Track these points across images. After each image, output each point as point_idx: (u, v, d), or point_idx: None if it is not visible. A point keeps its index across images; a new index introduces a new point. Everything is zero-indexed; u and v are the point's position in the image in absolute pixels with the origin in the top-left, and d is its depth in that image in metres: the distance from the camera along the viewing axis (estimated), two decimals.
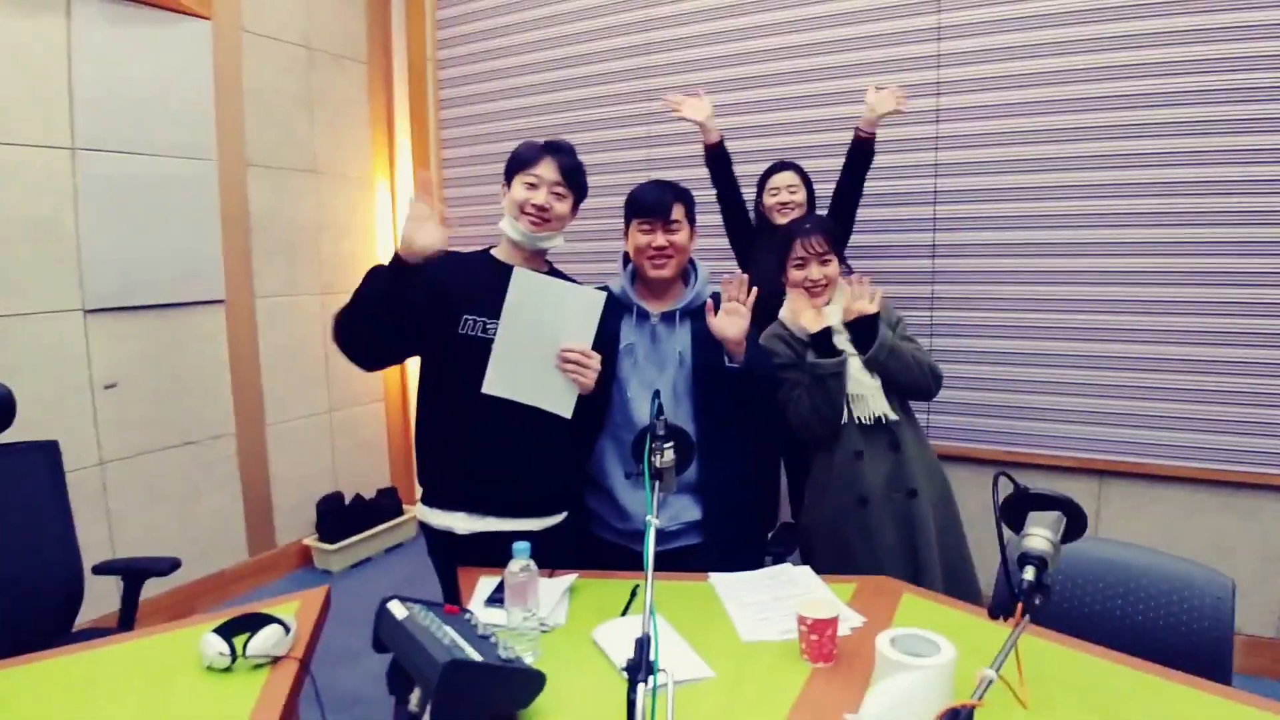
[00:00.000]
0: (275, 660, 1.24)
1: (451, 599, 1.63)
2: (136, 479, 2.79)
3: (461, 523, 1.63)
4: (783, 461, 2.65)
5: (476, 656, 1.01)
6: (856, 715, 1.05)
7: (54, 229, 2.53)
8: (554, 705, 1.11)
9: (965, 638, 1.15)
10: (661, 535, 1.66)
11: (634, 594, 1.45)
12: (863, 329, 1.84)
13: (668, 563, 1.63)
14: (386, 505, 3.61)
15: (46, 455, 1.90)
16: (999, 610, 1.01)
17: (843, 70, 2.80)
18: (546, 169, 1.62)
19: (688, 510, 1.72)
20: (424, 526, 1.70)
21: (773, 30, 2.90)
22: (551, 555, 1.52)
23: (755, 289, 1.65)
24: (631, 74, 3.17)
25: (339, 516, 3.40)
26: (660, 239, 1.68)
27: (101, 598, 2.03)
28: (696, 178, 2.80)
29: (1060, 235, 2.55)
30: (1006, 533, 1.13)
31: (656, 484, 1.26)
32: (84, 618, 2.04)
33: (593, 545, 1.78)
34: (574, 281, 1.70)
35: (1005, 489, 1.13)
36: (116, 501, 2.73)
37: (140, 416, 2.79)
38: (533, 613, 1.25)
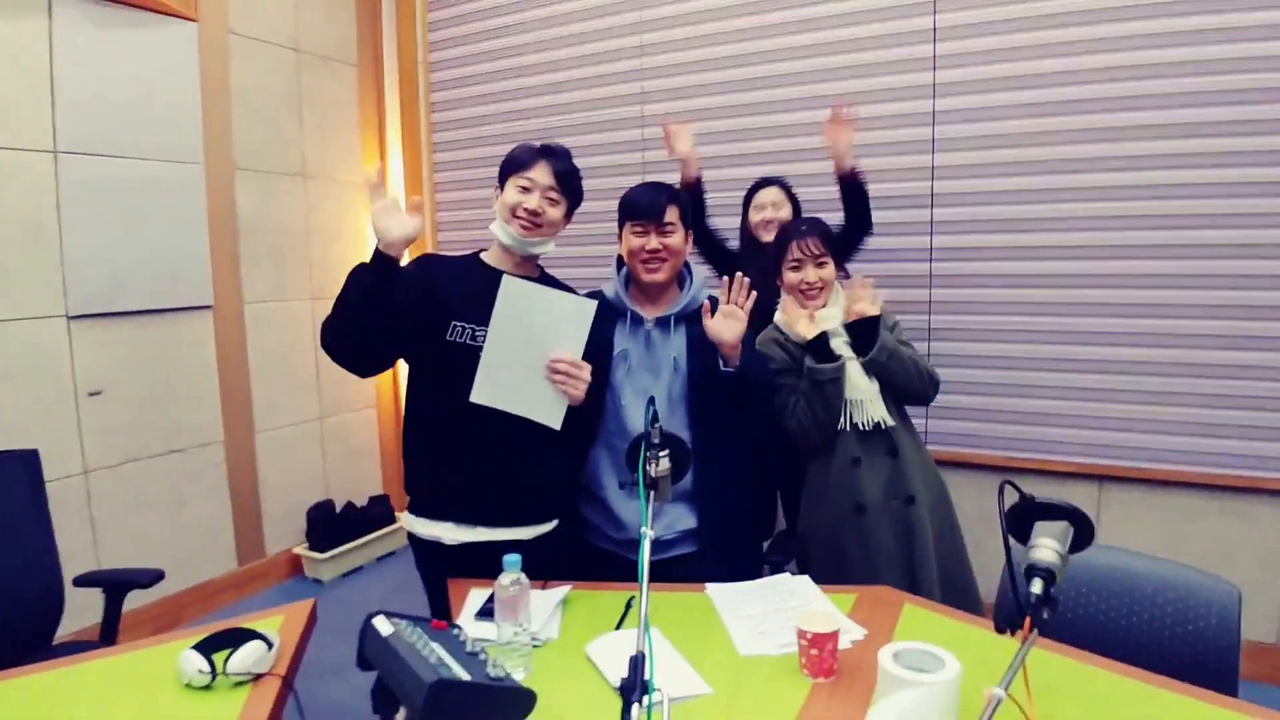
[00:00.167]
0: (257, 678, 1.20)
1: (440, 611, 1.60)
2: (122, 488, 2.74)
3: (450, 533, 1.59)
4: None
5: (464, 675, 0.97)
6: None
7: (36, 233, 2.49)
8: None
9: (969, 651, 1.12)
10: (657, 544, 1.63)
11: (629, 606, 1.42)
12: (863, 331, 1.81)
13: (663, 572, 1.61)
14: (378, 513, 3.56)
15: (25, 465, 1.86)
16: (1005, 624, 0.98)
17: (841, 72, 2.77)
18: (541, 173, 1.58)
19: (683, 518, 1.69)
20: (411, 537, 1.67)
21: (768, 32, 2.88)
22: (543, 564, 1.49)
23: (754, 293, 1.62)
24: (625, 77, 3.14)
25: (330, 525, 3.35)
26: (654, 242, 1.65)
27: (85, 609, 1.98)
28: None
29: (1059, 239, 2.53)
30: (1009, 541, 1.09)
31: (652, 494, 1.23)
32: (66, 629, 2.00)
33: (588, 554, 1.75)
34: (566, 288, 1.67)
35: (1007, 496, 1.09)
36: (101, 511, 2.68)
37: (126, 424, 2.74)
38: (524, 627, 1.21)
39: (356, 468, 3.68)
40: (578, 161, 1.66)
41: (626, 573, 1.59)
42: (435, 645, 1.04)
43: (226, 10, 3.04)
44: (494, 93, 3.44)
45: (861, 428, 1.82)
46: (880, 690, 1.07)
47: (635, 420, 1.65)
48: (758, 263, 2.02)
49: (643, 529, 1.10)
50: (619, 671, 0.94)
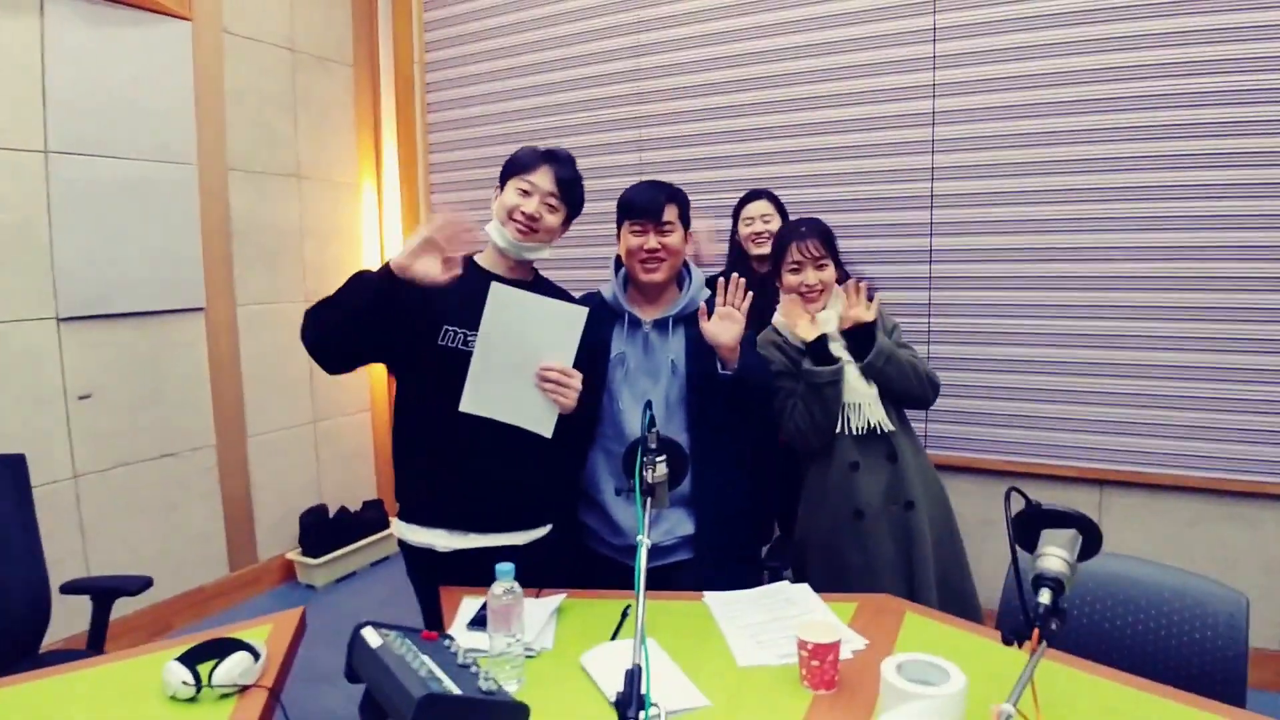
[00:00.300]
0: (243, 689, 1.17)
1: (432, 620, 1.57)
2: (112, 492, 2.70)
3: (442, 540, 1.56)
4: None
5: (455, 689, 0.94)
6: None
7: (26, 234, 2.45)
8: None
9: (974, 662, 1.10)
10: (655, 550, 1.61)
11: (625, 615, 1.39)
12: (860, 336, 1.79)
13: (661, 578, 1.59)
14: (372, 518, 3.53)
15: (11, 470, 1.83)
16: (1013, 635, 0.95)
17: (839, 72, 2.75)
18: (542, 178, 1.56)
19: (682, 524, 1.66)
20: (402, 544, 1.63)
21: (767, 32, 2.85)
22: (537, 570, 1.46)
23: (751, 293, 1.59)
24: (622, 77, 3.12)
25: (323, 530, 3.31)
26: (652, 241, 1.62)
27: (73, 615, 1.95)
28: (689, 181, 2.75)
29: (1060, 240, 2.51)
30: (1015, 550, 1.06)
31: (648, 501, 1.20)
32: (55, 636, 1.97)
33: (587, 558, 1.73)
34: (560, 291, 1.65)
35: (1012, 503, 1.06)
36: (91, 516, 2.64)
37: (116, 428, 2.71)
38: (517, 638, 1.18)
39: (350, 472, 3.64)
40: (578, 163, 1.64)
41: (626, 578, 1.56)
42: (425, 657, 1.01)
43: (221, 9, 3.01)
44: (490, 93, 3.41)
45: (860, 432, 1.79)
46: (883, 703, 1.05)
47: (632, 424, 1.62)
48: (746, 273, 1.99)
49: (639, 537, 1.08)
50: (615, 683, 0.92)
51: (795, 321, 1.79)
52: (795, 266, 1.84)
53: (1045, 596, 0.95)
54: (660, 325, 1.67)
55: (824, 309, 1.84)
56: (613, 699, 0.89)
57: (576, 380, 1.48)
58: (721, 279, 1.61)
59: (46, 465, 2.50)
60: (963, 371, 2.65)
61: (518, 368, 1.47)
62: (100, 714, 1.14)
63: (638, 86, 3.09)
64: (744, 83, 2.90)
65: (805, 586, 1.52)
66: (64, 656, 1.70)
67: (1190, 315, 2.38)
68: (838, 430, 1.79)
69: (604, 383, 1.66)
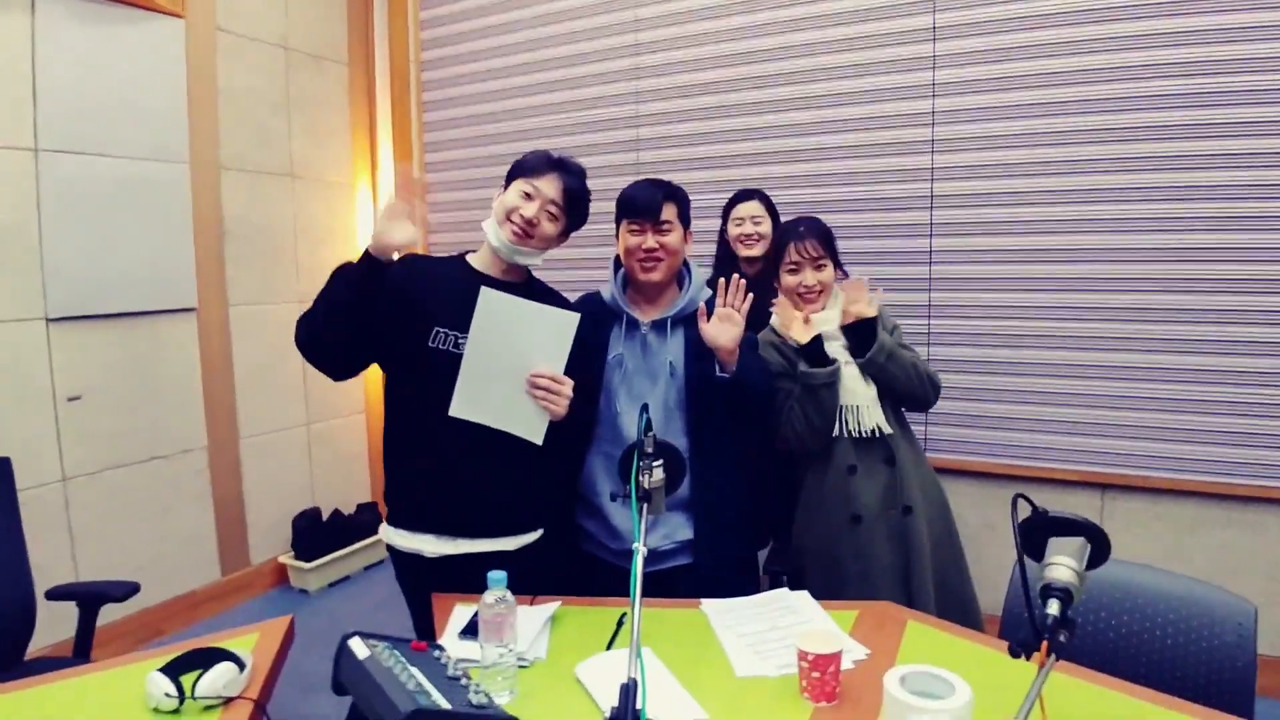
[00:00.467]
0: (227, 701, 1.13)
1: (423, 626, 1.54)
2: (101, 496, 2.66)
3: (430, 545, 1.53)
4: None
5: (443, 703, 0.91)
6: None
7: (14, 233, 2.42)
8: None
9: (978, 673, 1.07)
10: (653, 555, 1.58)
11: (620, 624, 1.35)
12: (860, 333, 1.76)
13: (660, 583, 1.56)
14: (366, 521, 3.49)
15: None
16: (1020, 648, 0.92)
17: (837, 71, 2.73)
18: (548, 184, 1.53)
19: (681, 529, 1.64)
20: (391, 549, 1.60)
21: (765, 31, 2.83)
22: (530, 575, 1.43)
23: (751, 295, 1.56)
24: (620, 75, 3.09)
25: (316, 533, 3.27)
26: (650, 241, 1.60)
27: (60, 621, 1.92)
28: (687, 181, 2.72)
29: (1062, 241, 2.48)
30: (1023, 560, 1.03)
31: (644, 507, 1.17)
32: (43, 643, 1.94)
33: (585, 563, 1.70)
34: (553, 294, 1.62)
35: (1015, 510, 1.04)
36: (80, 519, 2.60)
37: (106, 430, 2.67)
38: (510, 648, 1.15)
39: (344, 474, 3.60)
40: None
41: (625, 583, 1.53)
42: (414, 669, 0.99)
43: (214, 7, 2.97)
44: (487, 92, 3.38)
45: (858, 434, 1.76)
46: (886, 717, 1.02)
47: (630, 427, 1.59)
48: (733, 274, 1.95)
49: (635, 545, 1.05)
50: (610, 695, 0.89)
51: (789, 324, 1.76)
52: (793, 267, 1.81)
53: (1054, 608, 0.92)
54: (658, 326, 1.64)
55: (823, 310, 1.81)
56: (608, 714, 0.86)
57: (567, 388, 1.45)
58: (721, 280, 1.58)
59: (35, 468, 2.46)
60: (963, 374, 2.62)
61: (508, 373, 1.44)
62: None
63: (635, 85, 3.07)
64: (743, 81, 2.88)
65: (805, 594, 1.49)
66: (49, 664, 1.67)
67: (1194, 318, 2.36)
68: (835, 433, 1.76)
69: (601, 384, 1.63)
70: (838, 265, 1.87)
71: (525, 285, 1.59)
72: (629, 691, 0.84)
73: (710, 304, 1.59)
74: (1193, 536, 2.43)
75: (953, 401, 2.58)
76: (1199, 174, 2.31)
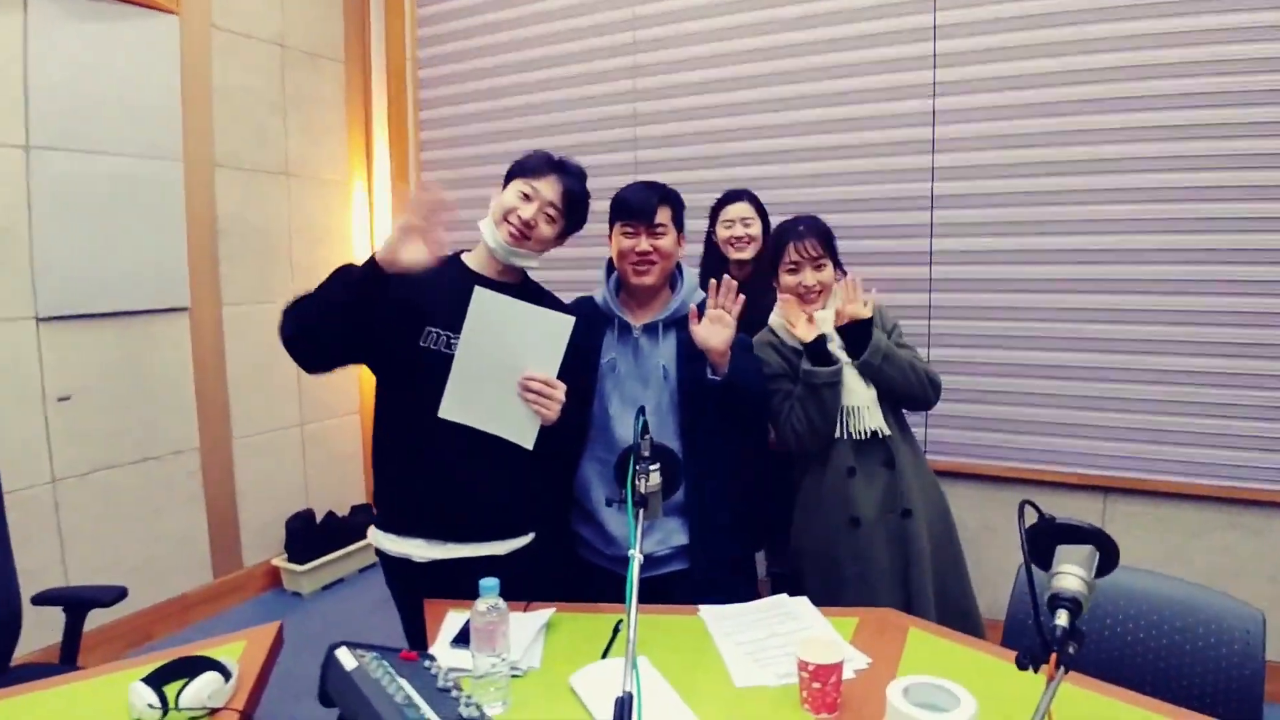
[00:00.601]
0: (213, 712, 1.10)
1: (414, 632, 1.51)
2: (92, 497, 2.63)
3: (419, 550, 1.50)
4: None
5: (432, 717, 0.89)
6: None
7: (4, 231, 2.38)
8: None
9: (983, 684, 1.04)
10: (649, 561, 1.54)
11: (616, 631, 1.33)
12: (855, 334, 1.73)
13: (655, 589, 1.53)
14: (361, 523, 3.45)
15: None
16: (1028, 660, 0.89)
17: (837, 70, 2.70)
18: (548, 186, 1.50)
19: (676, 534, 1.62)
20: (379, 553, 1.57)
21: (764, 29, 2.80)
22: (520, 581, 1.40)
23: (743, 296, 1.54)
24: (618, 74, 3.06)
25: (310, 535, 3.24)
26: (644, 244, 1.58)
27: (49, 626, 1.87)
28: (685, 180, 2.69)
29: (1064, 242, 2.46)
30: (1031, 569, 1.01)
31: (640, 512, 1.14)
32: (31, 647, 1.91)
33: (580, 569, 1.68)
34: (549, 296, 1.60)
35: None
36: (70, 522, 2.57)
37: (96, 430, 2.64)
38: (503, 658, 1.12)
39: (338, 476, 3.57)
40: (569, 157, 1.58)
41: (621, 588, 1.51)
42: (403, 681, 0.96)
43: (209, 3, 2.94)
44: (484, 90, 3.35)
45: (857, 437, 1.74)
46: None
47: (622, 431, 1.58)
48: (721, 275, 1.92)
49: (631, 552, 1.02)
50: (605, 706, 0.86)
51: (794, 322, 1.74)
52: (793, 267, 1.79)
53: (1063, 618, 0.89)
54: (650, 330, 1.63)
55: (823, 309, 1.79)
56: None
57: (560, 392, 1.42)
58: (712, 281, 1.56)
59: (24, 469, 2.43)
60: (964, 375, 2.59)
61: (500, 376, 1.42)
62: None
63: (633, 84, 3.04)
64: (743, 80, 2.85)
65: (804, 600, 1.47)
66: (36, 670, 1.64)
67: (1196, 319, 2.34)
68: (835, 434, 1.74)
69: (594, 388, 1.61)
70: (838, 265, 1.84)
71: (520, 286, 1.57)
72: (624, 705, 0.81)
73: (701, 306, 1.57)
74: (1195, 540, 2.40)
75: (953, 403, 2.55)
76: (1208, 174, 2.28)
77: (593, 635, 1.32)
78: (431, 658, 1.08)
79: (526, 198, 1.49)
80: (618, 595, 1.45)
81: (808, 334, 1.71)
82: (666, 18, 2.96)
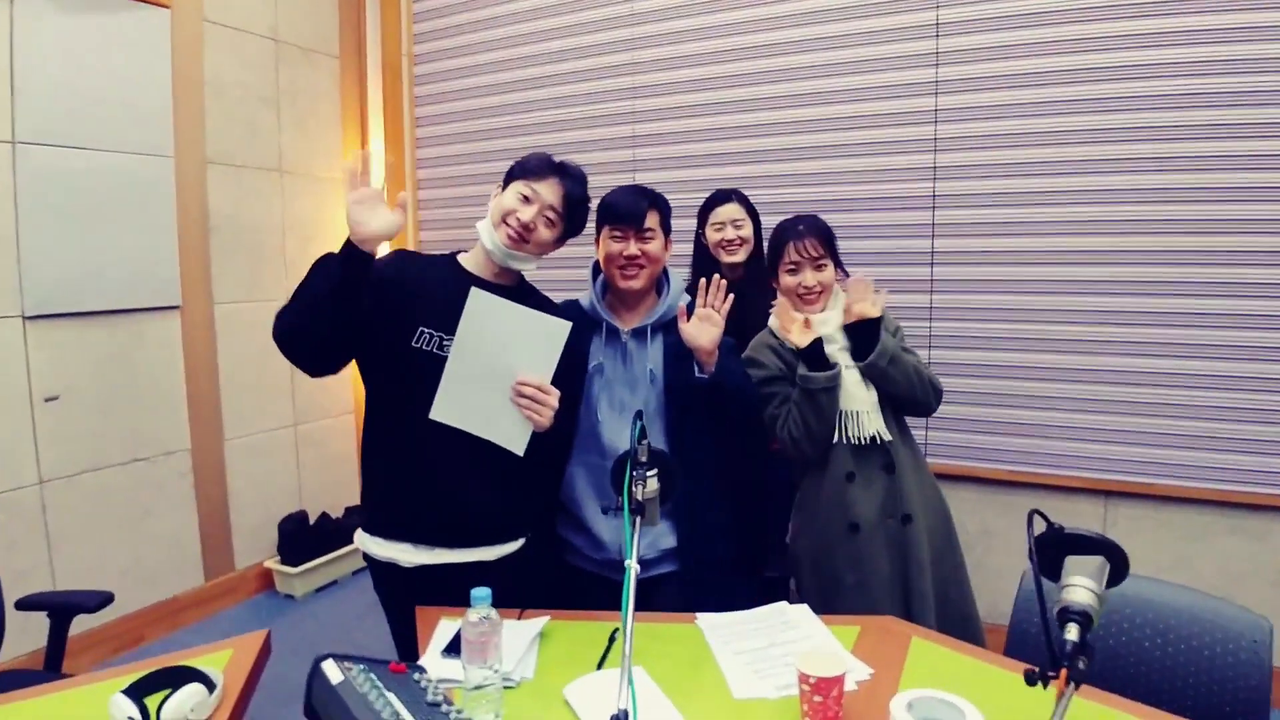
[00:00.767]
0: None
1: (403, 638, 1.48)
2: (80, 499, 2.59)
3: (406, 555, 1.47)
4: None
5: None
6: None
7: None
8: None
9: (988, 697, 1.01)
10: (639, 563, 1.52)
11: (612, 640, 1.29)
12: (862, 334, 1.70)
13: (645, 591, 1.52)
14: (354, 525, 3.38)
15: None
16: (1037, 676, 0.86)
17: (840, 68, 2.67)
18: (548, 189, 1.47)
19: (664, 537, 1.60)
20: (367, 557, 1.54)
21: (764, 26, 2.77)
22: (514, 587, 1.37)
23: (732, 295, 1.53)
24: (617, 71, 3.03)
25: (303, 537, 3.21)
26: (632, 248, 1.57)
27: (36, 630, 1.84)
28: (684, 180, 2.67)
29: (1067, 243, 2.43)
30: (1040, 582, 0.98)
31: (637, 520, 1.11)
32: (17, 652, 1.88)
33: (568, 574, 1.65)
34: (545, 300, 1.57)
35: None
36: (57, 524, 2.53)
37: (85, 431, 2.60)
38: (495, 669, 1.08)
39: (332, 477, 3.53)
40: (567, 159, 1.55)
41: (611, 594, 1.48)
42: (390, 695, 0.92)
43: None
44: (480, 86, 3.31)
45: (857, 441, 1.70)
46: None
47: (611, 435, 1.57)
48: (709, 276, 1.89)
49: (627, 563, 0.99)
50: (600, 719, 0.83)
51: (788, 327, 1.71)
52: (793, 267, 1.76)
53: (1073, 633, 0.86)
54: (638, 334, 1.61)
55: (823, 311, 1.76)
56: None
57: (553, 398, 1.39)
58: (702, 280, 1.55)
59: (10, 470, 2.40)
60: (965, 378, 2.57)
61: (493, 379, 1.39)
62: None
63: (631, 81, 3.00)
64: (743, 78, 2.82)
65: (805, 608, 1.44)
66: (18, 677, 1.61)
67: (1198, 322, 2.31)
68: (834, 439, 1.71)
69: (582, 393, 1.59)
70: (838, 265, 1.81)
71: (517, 289, 1.54)
72: None
73: (690, 305, 1.56)
74: (1198, 545, 2.38)
75: (955, 406, 2.53)
76: (1210, 175, 2.26)
77: (588, 644, 1.29)
78: (421, 669, 1.05)
79: (526, 200, 1.46)
80: (607, 600, 1.43)
81: (802, 339, 1.68)
82: (667, 14, 2.92)
